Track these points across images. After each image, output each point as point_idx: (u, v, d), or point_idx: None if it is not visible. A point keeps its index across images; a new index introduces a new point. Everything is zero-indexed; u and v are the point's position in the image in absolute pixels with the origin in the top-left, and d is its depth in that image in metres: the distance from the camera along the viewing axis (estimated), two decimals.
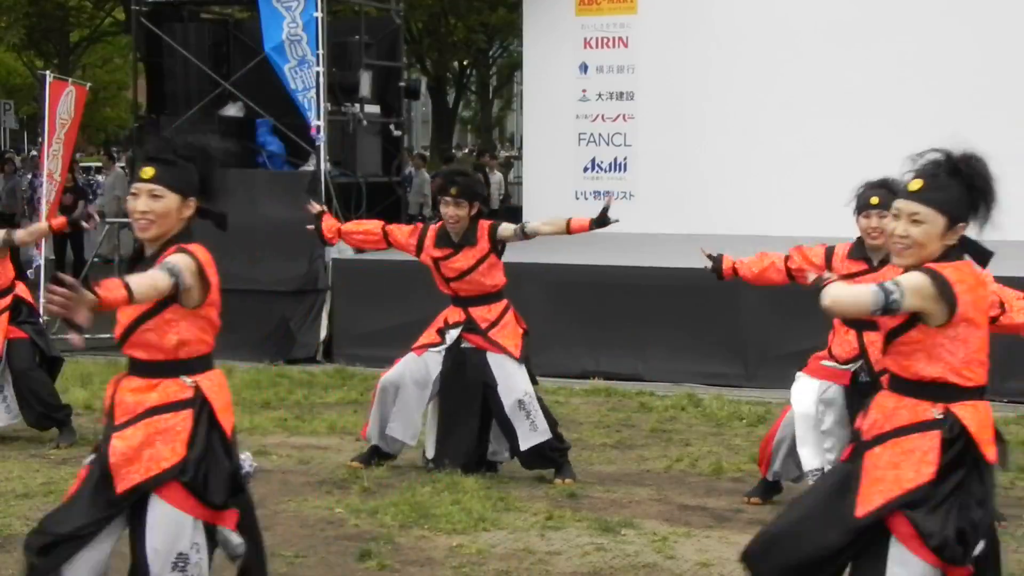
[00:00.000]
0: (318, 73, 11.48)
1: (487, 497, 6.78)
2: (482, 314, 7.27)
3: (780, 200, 13.44)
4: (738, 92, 13.79)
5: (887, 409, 3.88)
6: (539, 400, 7.33)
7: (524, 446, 7.17)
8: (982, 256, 3.87)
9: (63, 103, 12.66)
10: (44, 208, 12.65)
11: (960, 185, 3.78)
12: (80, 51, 31.05)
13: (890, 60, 13.26)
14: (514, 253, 11.39)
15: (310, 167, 11.76)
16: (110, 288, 3.88)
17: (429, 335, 7.36)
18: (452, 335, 7.28)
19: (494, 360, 7.21)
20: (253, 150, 12.37)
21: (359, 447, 8.08)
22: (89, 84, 13.92)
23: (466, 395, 7.27)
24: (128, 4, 13.89)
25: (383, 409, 7.35)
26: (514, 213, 15.28)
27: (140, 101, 13.47)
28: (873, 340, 5.87)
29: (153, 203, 4.20)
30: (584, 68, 14.49)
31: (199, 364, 4.25)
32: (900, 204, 3.81)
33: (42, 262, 12.51)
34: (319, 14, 11.46)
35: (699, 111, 13.91)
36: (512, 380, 7.18)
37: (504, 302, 7.38)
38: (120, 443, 4.14)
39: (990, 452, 3.81)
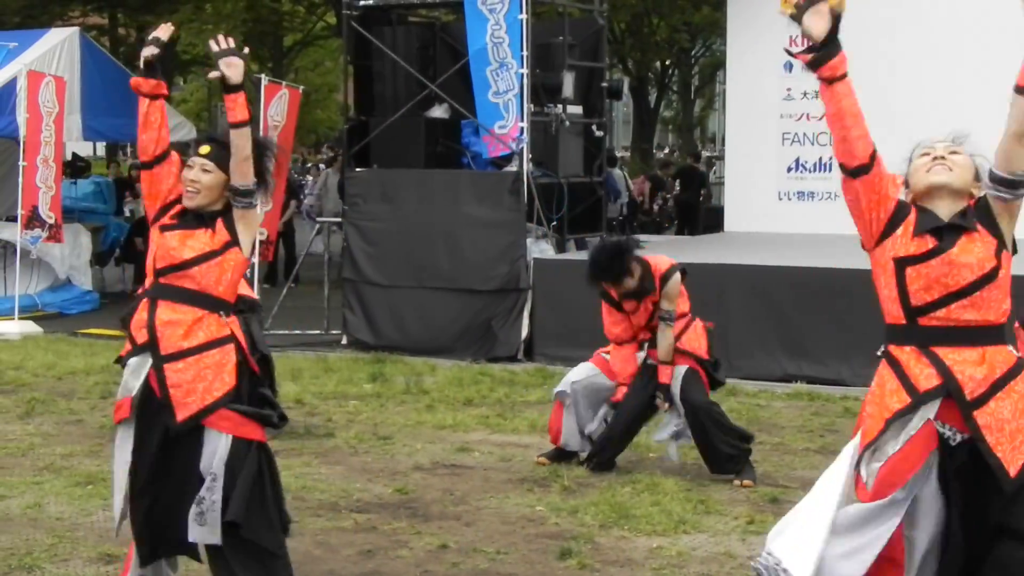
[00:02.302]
0: (522, 75, 11.61)
1: (687, 499, 6.76)
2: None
3: None
4: (950, 89, 13.38)
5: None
6: (718, 410, 7.43)
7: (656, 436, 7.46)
8: None
9: (275, 105, 13.10)
10: (259, 208, 13.09)
11: None
12: (293, 55, 32.09)
13: None
14: (715, 254, 11.34)
15: (513, 168, 11.89)
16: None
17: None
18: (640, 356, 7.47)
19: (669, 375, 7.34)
20: (458, 151, 12.56)
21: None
22: (302, 87, 14.35)
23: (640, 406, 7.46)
24: (339, 8, 14.27)
25: (578, 411, 7.54)
26: (716, 213, 15.16)
27: (349, 103, 13.83)
28: None
29: (203, 176, 4.69)
30: (789, 66, 14.23)
31: (230, 308, 4.75)
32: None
33: (256, 260, 12.94)
34: (524, 16, 11.58)
35: (906, 110, 13.53)
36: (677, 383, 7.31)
37: (687, 318, 7.42)
38: (174, 375, 4.62)
39: None
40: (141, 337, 4.69)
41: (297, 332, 12.90)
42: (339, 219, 13.55)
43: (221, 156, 4.70)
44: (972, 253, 3.81)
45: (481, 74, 11.74)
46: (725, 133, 16.35)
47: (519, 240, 11.74)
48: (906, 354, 3.84)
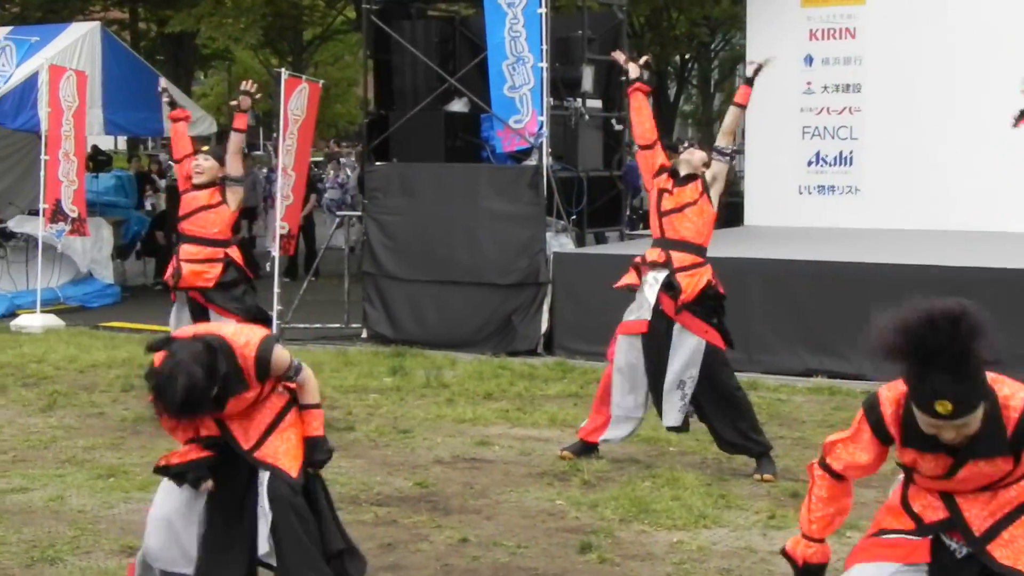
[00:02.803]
0: (540, 68, 11.59)
1: (708, 494, 6.75)
2: (681, 258, 7.36)
3: (1016, 195, 12.93)
4: (970, 83, 13.32)
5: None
6: (743, 395, 7.47)
7: (667, 423, 7.43)
8: None
9: (295, 99, 13.10)
10: (280, 202, 13.11)
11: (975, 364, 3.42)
12: (312, 49, 32.11)
13: None
14: (735, 248, 11.31)
15: (532, 162, 11.88)
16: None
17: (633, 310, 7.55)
18: (652, 284, 7.39)
19: (677, 332, 7.34)
20: (477, 145, 12.56)
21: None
22: (321, 81, 14.36)
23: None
24: (359, 2, 14.27)
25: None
26: (736, 207, 15.11)
27: (369, 97, 13.83)
28: None
29: None
30: (809, 60, 14.22)
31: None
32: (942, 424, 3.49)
33: (277, 255, 12.98)
34: (543, 10, 11.56)
35: (929, 103, 13.49)
36: (684, 356, 7.30)
37: (703, 259, 7.44)
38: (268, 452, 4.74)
39: None
40: (211, 430, 4.72)
41: (317, 326, 12.93)
42: (359, 213, 13.57)
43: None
44: (981, 472, 3.61)
45: (497, 68, 11.72)
46: (745, 127, 16.29)
47: (539, 234, 11.73)
48: (919, 488, 3.78)
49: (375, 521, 6.39)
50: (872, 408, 3.73)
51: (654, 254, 7.45)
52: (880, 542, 3.81)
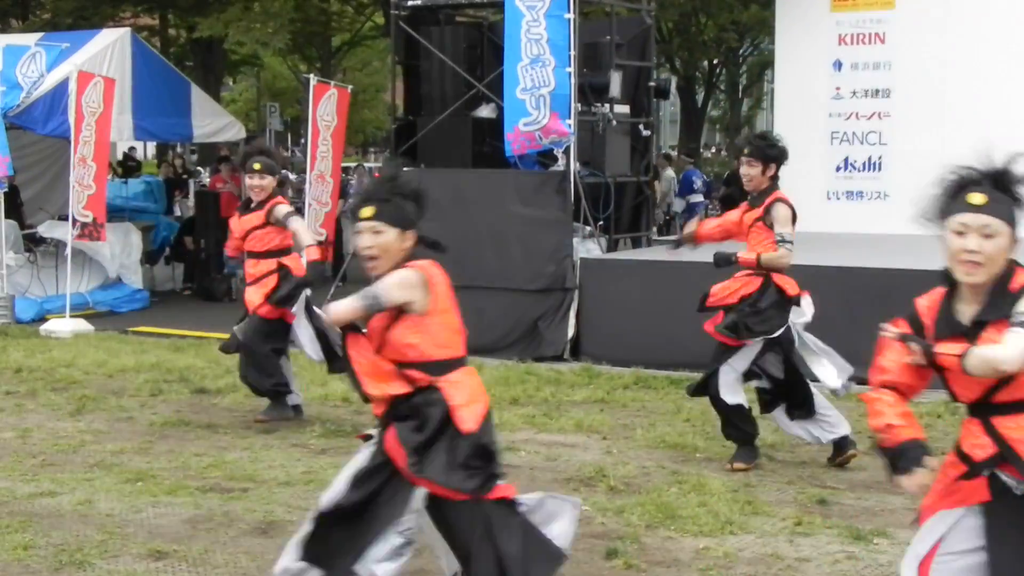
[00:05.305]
0: (568, 74, 11.58)
1: (734, 500, 6.73)
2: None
3: None
4: (1001, 88, 13.25)
5: None
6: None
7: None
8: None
9: (324, 105, 13.15)
10: (315, 208, 13.13)
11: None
12: (341, 55, 32.23)
13: None
14: None
15: (560, 167, 11.88)
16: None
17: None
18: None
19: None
20: (504, 151, 12.54)
21: (606, 445, 8.15)
22: (350, 87, 14.41)
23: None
24: (387, 9, 14.31)
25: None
26: None
27: (397, 103, 13.86)
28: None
29: (376, 238, 4.58)
30: (838, 65, 14.17)
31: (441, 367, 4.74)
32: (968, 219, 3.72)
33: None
34: (571, 15, 11.54)
35: (958, 108, 13.42)
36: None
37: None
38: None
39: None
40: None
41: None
42: None
43: (388, 213, 4.66)
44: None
45: (512, 70, 11.69)
46: (774, 132, 16.25)
47: (566, 239, 11.73)
48: (968, 427, 3.90)
49: None
50: (909, 310, 4.03)
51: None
52: (940, 491, 3.91)
